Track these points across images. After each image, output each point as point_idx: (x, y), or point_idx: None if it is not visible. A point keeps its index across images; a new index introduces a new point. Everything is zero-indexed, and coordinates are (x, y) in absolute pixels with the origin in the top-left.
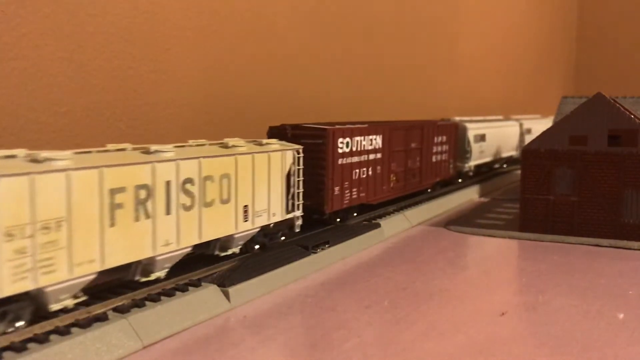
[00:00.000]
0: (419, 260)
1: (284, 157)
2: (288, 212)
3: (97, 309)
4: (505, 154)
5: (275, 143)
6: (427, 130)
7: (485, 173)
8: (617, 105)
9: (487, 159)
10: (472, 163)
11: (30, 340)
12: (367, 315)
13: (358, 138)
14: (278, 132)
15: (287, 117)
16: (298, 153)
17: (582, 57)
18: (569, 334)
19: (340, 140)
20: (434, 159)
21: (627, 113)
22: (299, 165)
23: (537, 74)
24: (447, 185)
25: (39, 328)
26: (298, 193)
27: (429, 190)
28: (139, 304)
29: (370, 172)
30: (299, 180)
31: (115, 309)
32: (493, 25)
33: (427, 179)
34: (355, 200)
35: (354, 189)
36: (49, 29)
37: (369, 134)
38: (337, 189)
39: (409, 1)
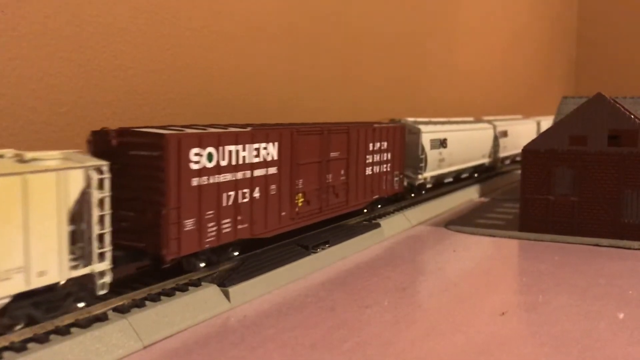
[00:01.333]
0: (419, 260)
1: (64, 180)
2: (81, 266)
3: (97, 309)
4: (474, 162)
5: (52, 158)
6: (355, 135)
7: (457, 181)
8: (617, 105)
9: (450, 169)
10: (428, 174)
11: (30, 340)
12: (367, 315)
13: (231, 148)
14: (101, 140)
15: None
16: (100, 172)
17: (582, 57)
18: (569, 334)
19: (196, 151)
20: (368, 172)
21: (627, 113)
22: (103, 191)
23: (537, 74)
24: (395, 202)
25: (39, 328)
26: (102, 235)
27: (364, 210)
28: (139, 304)
29: (257, 194)
30: (103, 215)
31: (115, 309)
32: (492, 25)
33: (358, 197)
34: (229, 235)
35: (226, 220)
36: (49, 29)
37: (252, 142)
38: (189, 222)
39: None
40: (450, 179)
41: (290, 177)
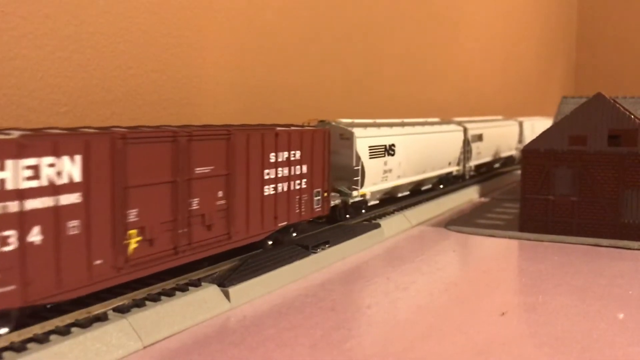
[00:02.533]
0: (419, 260)
1: None
2: None
3: (97, 309)
4: (436, 172)
5: None
6: (243, 142)
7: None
8: (617, 105)
9: (401, 181)
10: (368, 189)
11: (30, 340)
12: (367, 315)
13: None
14: None
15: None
16: None
17: (582, 57)
18: (569, 334)
19: None
20: (269, 191)
21: (627, 113)
22: None
23: (537, 74)
24: (322, 225)
25: (39, 328)
26: None
27: (270, 242)
28: (139, 304)
29: (37, 238)
30: None
31: (115, 309)
32: (492, 25)
33: (250, 227)
34: None
35: None
36: (50, 29)
37: (19, 156)
38: None
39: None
40: (407, 192)
41: (111, 207)
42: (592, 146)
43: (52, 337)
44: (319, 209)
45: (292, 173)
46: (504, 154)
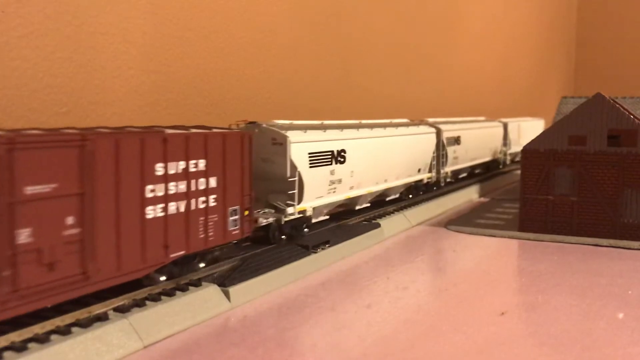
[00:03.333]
0: (419, 260)
1: None
2: None
3: (98, 309)
4: (401, 180)
5: None
6: (110, 150)
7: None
8: (617, 105)
9: (353, 192)
10: (310, 204)
11: (30, 340)
12: (367, 315)
13: None
14: None
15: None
16: None
17: (582, 57)
18: (569, 334)
19: None
20: (155, 213)
21: (627, 113)
22: None
23: (536, 74)
24: (241, 250)
25: (40, 328)
26: None
27: (162, 278)
28: (139, 304)
29: None
30: None
31: (115, 309)
32: (492, 25)
33: (122, 262)
34: None
35: None
36: (50, 29)
37: None
38: None
39: None
40: (366, 204)
41: None
42: (591, 146)
43: (53, 336)
44: (237, 231)
45: (194, 188)
46: (487, 158)
